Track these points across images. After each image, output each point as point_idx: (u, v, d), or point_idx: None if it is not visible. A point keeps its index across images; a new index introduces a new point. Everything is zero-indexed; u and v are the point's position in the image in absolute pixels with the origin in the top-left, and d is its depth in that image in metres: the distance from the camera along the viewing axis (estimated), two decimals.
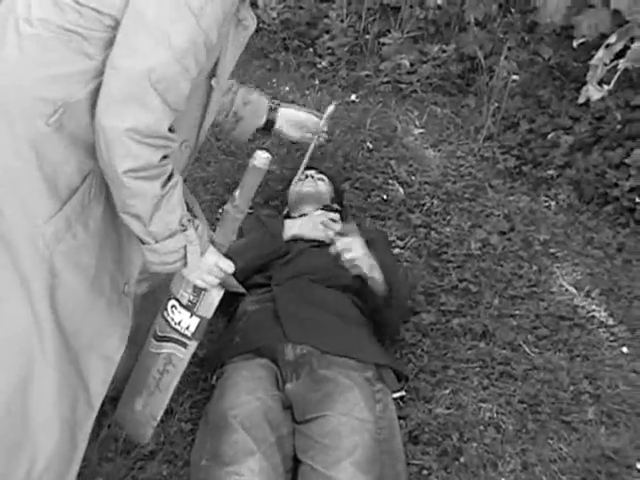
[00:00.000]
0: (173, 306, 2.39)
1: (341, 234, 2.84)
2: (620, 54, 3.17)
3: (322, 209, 3.22)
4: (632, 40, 3.17)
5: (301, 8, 4.90)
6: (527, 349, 2.97)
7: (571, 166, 3.79)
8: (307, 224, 3.11)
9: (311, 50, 4.81)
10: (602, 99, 3.35)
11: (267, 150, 2.31)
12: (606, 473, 2.48)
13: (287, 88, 4.56)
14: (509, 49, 4.27)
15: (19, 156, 1.91)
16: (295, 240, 3.07)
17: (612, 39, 3.17)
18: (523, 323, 3.08)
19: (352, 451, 2.27)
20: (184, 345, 2.39)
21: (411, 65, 4.52)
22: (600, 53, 3.17)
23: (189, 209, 2.13)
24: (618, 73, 3.17)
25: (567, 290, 3.27)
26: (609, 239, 3.53)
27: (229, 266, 2.28)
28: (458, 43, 4.51)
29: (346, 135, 4.09)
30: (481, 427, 2.65)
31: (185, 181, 2.17)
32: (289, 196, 3.33)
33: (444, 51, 4.51)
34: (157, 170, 1.95)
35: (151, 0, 1.90)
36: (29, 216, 1.95)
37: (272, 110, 2.82)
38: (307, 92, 4.53)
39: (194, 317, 2.36)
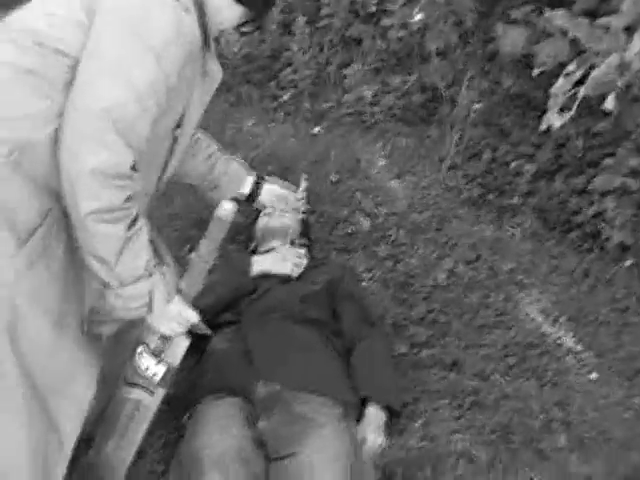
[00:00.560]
0: (141, 352, 2.36)
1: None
2: (580, 82, 3.21)
3: (290, 244, 3.21)
4: (591, 68, 3.21)
5: (263, 42, 4.91)
6: (497, 378, 2.97)
7: (535, 194, 3.83)
8: (277, 260, 3.09)
9: (273, 83, 4.81)
10: (563, 126, 3.38)
11: (234, 199, 2.29)
12: None
13: (250, 122, 4.55)
14: (470, 78, 4.32)
15: None
16: (263, 276, 3.05)
17: (571, 67, 3.21)
18: (492, 352, 3.10)
19: None
20: (151, 393, 2.36)
21: (374, 96, 4.55)
22: (560, 81, 3.21)
23: (157, 253, 2.12)
24: (578, 101, 3.21)
25: (534, 318, 3.29)
26: (574, 265, 3.57)
27: (194, 316, 2.27)
28: (420, 73, 4.55)
29: (310, 168, 4.08)
30: (454, 458, 2.64)
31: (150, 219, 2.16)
32: (256, 231, 3.32)
33: (406, 82, 4.55)
34: (121, 212, 1.94)
35: (112, 40, 1.91)
36: None
37: (257, 184, 2.81)
38: (270, 125, 4.53)
39: (161, 365, 2.34)
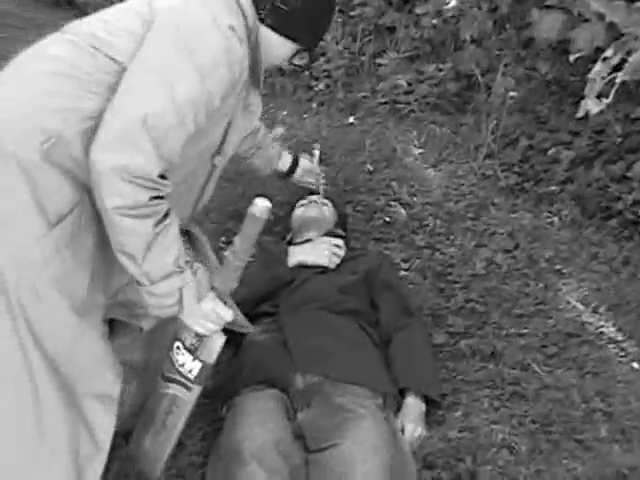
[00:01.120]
0: (178, 347, 2.36)
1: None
2: (617, 67, 3.17)
3: (326, 234, 3.20)
4: (629, 53, 3.17)
5: None
6: (537, 368, 2.95)
7: (573, 181, 3.79)
8: (314, 251, 3.10)
9: (307, 74, 4.80)
10: (601, 113, 3.35)
11: (266, 197, 2.29)
12: None
13: (285, 112, 4.56)
14: (505, 65, 4.28)
15: (9, 176, 1.91)
16: (300, 267, 3.06)
17: (609, 52, 3.17)
18: (531, 342, 3.06)
19: (367, 479, 2.25)
20: (187, 388, 2.36)
21: (408, 85, 4.53)
22: (597, 67, 3.18)
23: (194, 247, 2.12)
24: (616, 86, 3.17)
25: (574, 307, 3.25)
26: (614, 253, 3.52)
27: (228, 314, 2.24)
28: (454, 61, 4.52)
29: (346, 158, 4.08)
30: (494, 449, 2.62)
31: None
32: (292, 222, 3.32)
33: (440, 70, 4.52)
34: (148, 209, 1.94)
35: (162, 51, 1.97)
36: (16, 236, 1.94)
37: (295, 159, 3.08)
38: (305, 116, 4.53)
39: (196, 361, 2.33)
